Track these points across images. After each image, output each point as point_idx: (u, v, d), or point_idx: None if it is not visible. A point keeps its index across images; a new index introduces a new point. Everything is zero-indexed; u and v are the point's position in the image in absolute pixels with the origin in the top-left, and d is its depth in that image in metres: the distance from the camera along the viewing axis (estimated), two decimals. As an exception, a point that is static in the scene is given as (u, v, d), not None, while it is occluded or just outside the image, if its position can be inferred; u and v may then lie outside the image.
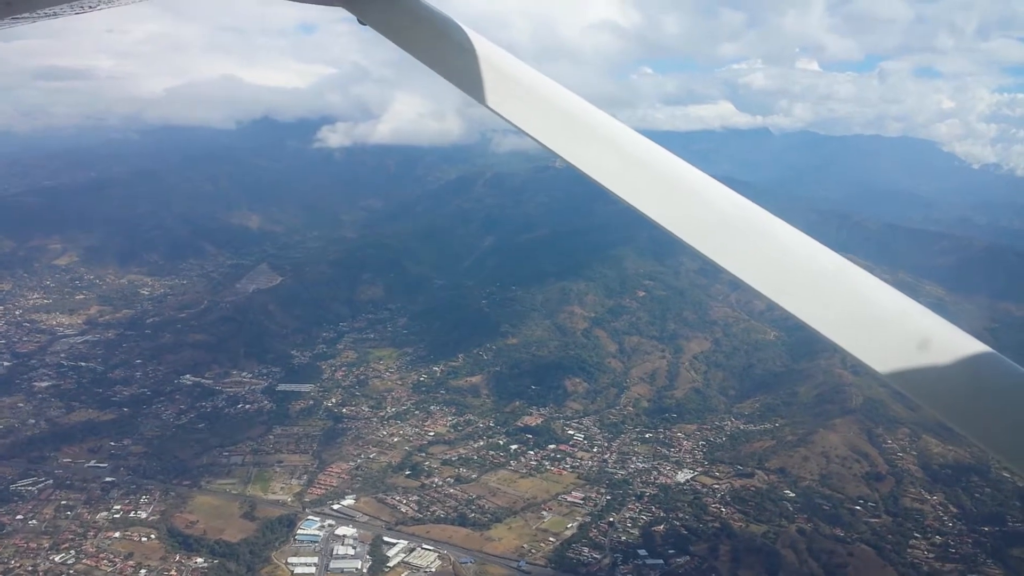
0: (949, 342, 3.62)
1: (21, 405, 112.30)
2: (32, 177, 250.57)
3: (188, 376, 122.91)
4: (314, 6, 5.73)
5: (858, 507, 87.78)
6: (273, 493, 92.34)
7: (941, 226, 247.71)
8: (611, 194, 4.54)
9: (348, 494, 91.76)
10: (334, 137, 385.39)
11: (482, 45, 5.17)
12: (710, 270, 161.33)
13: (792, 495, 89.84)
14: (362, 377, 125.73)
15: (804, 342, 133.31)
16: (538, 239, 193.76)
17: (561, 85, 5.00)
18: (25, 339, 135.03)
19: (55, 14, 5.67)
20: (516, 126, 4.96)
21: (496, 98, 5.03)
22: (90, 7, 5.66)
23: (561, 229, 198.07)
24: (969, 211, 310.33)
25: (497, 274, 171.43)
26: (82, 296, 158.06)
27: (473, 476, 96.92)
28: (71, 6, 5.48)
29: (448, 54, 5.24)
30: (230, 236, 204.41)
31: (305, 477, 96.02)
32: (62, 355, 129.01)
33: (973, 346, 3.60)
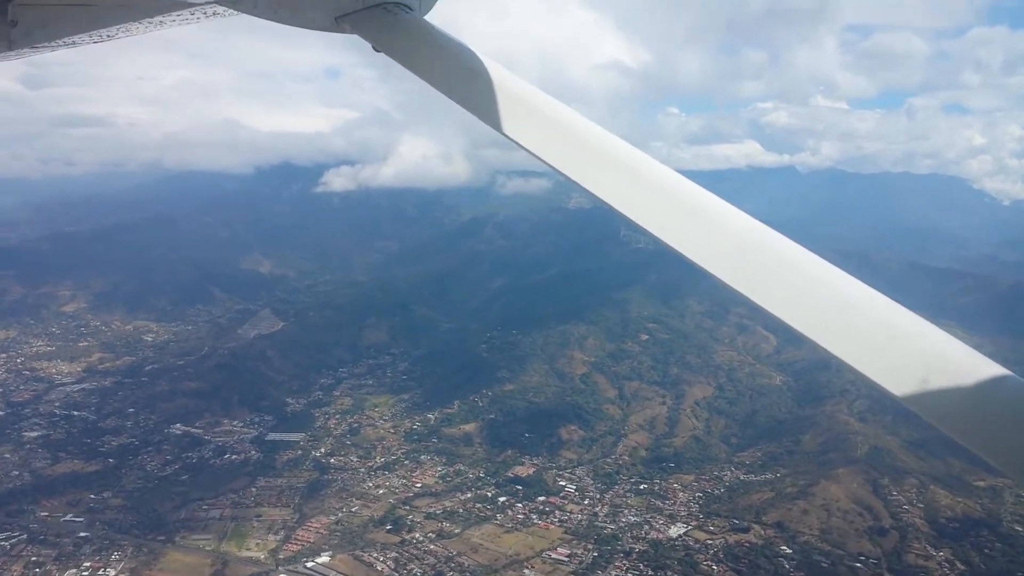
0: (968, 365, 3.58)
1: (8, 456, 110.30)
2: (54, 223, 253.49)
3: (178, 425, 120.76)
4: (330, 37, 6.00)
5: (859, 564, 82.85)
6: (248, 549, 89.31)
7: (966, 264, 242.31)
8: (626, 220, 4.46)
9: (324, 550, 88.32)
10: (351, 180, 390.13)
11: (496, 71, 5.20)
12: (717, 312, 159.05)
13: (789, 551, 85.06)
14: (355, 425, 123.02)
15: (811, 387, 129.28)
16: (545, 281, 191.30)
17: (574, 111, 4.99)
18: (22, 387, 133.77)
19: (74, 43, 5.94)
20: (530, 152, 4.88)
21: (510, 124, 4.98)
22: (108, 36, 5.96)
23: (568, 271, 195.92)
24: (997, 248, 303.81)
25: (503, 317, 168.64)
26: (85, 343, 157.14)
27: (456, 531, 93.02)
28: (89, 35, 5.79)
29: (462, 80, 5.27)
30: (241, 281, 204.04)
31: (283, 532, 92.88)
32: (56, 404, 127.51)
33: (992, 369, 3.56)
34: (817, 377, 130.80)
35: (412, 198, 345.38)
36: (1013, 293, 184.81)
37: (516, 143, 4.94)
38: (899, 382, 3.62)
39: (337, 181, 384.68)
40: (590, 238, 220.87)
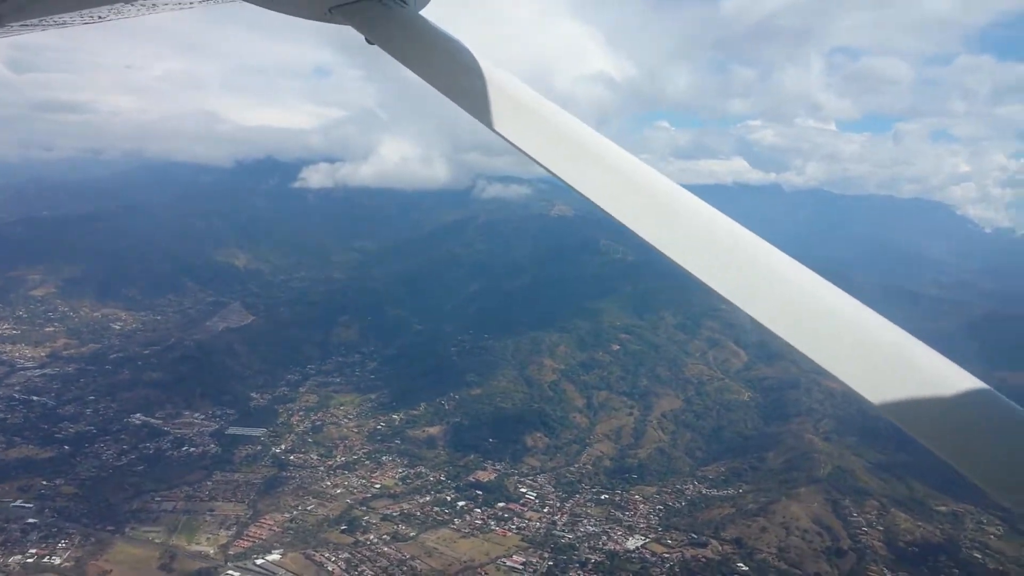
0: (945, 376, 3.57)
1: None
2: (31, 207, 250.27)
3: (138, 415, 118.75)
4: (322, 33, 6.18)
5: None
6: (197, 544, 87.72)
7: (944, 289, 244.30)
8: (610, 217, 4.44)
9: (276, 548, 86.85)
10: (328, 178, 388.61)
11: (488, 67, 5.18)
12: (689, 326, 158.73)
13: (745, 568, 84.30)
14: (318, 423, 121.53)
15: (778, 405, 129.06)
16: (521, 287, 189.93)
17: (566, 111, 4.96)
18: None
19: (64, 23, 5.83)
20: (520, 149, 4.84)
21: (501, 120, 4.98)
22: (99, 17, 5.86)
23: (545, 278, 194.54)
24: (976, 275, 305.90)
25: (477, 321, 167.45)
26: (52, 328, 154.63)
27: (412, 534, 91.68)
28: (80, 15, 5.69)
29: (454, 75, 5.26)
30: (214, 273, 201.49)
31: (235, 528, 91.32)
32: (16, 388, 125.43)
33: (969, 381, 3.55)
34: (785, 395, 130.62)
35: (392, 198, 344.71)
36: (987, 322, 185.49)
37: (506, 140, 4.90)
38: (875, 389, 3.57)
39: (315, 177, 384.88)
40: (570, 246, 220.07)
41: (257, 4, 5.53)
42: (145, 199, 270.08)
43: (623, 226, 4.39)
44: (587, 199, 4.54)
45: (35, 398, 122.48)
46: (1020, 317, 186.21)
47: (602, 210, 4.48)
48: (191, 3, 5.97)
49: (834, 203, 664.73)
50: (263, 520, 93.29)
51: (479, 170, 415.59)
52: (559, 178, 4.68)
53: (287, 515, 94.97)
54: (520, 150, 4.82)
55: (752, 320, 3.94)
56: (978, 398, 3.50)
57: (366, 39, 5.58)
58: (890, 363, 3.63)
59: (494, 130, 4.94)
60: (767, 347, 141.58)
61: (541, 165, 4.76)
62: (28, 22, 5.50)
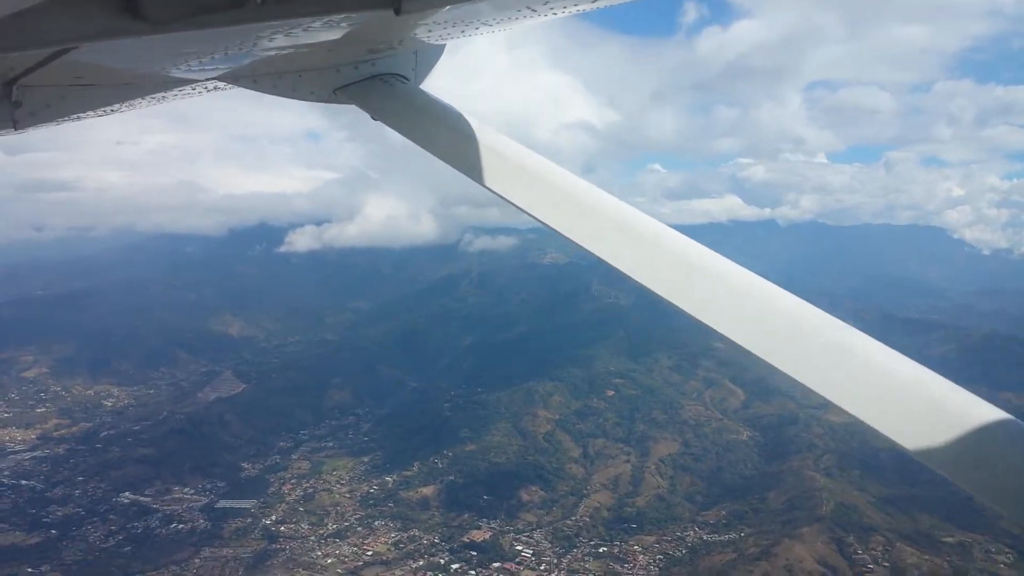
0: (969, 410, 3.58)
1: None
2: (22, 288, 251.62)
3: (127, 494, 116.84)
4: (325, 106, 6.23)
5: (820, 629, 79.65)
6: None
7: (943, 314, 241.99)
8: (609, 265, 4.56)
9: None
10: (320, 240, 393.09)
11: (490, 136, 5.35)
12: (685, 367, 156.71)
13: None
14: (310, 491, 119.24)
15: (778, 442, 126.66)
16: (514, 338, 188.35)
17: (565, 169, 5.12)
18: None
19: (79, 118, 6.04)
20: (526, 212, 5.00)
21: (506, 186, 5.12)
22: (112, 111, 6.09)
23: (539, 327, 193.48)
24: (974, 298, 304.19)
25: (471, 375, 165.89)
26: (43, 409, 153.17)
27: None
28: (94, 111, 5.94)
29: (455, 144, 5.40)
30: (207, 344, 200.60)
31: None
32: (5, 473, 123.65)
33: (994, 413, 3.58)
34: (785, 431, 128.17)
35: (382, 257, 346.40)
36: (987, 344, 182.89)
37: (512, 204, 5.02)
38: (900, 430, 3.58)
39: (301, 240, 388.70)
40: (562, 293, 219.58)
41: (263, 92, 5.80)
42: (137, 273, 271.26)
43: (618, 271, 4.46)
44: (589, 252, 4.62)
45: (24, 482, 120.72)
46: (1022, 338, 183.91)
47: (599, 257, 4.54)
48: (198, 93, 6.15)
49: (830, 234, 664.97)
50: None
51: (467, 223, 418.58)
52: (561, 233, 4.76)
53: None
54: (526, 212, 4.97)
55: (772, 367, 3.88)
56: (1004, 429, 3.44)
57: (372, 116, 5.84)
58: (912, 401, 3.60)
59: (501, 196, 5.08)
60: (765, 384, 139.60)
61: (547, 225, 4.89)
62: (43, 124, 5.58)
